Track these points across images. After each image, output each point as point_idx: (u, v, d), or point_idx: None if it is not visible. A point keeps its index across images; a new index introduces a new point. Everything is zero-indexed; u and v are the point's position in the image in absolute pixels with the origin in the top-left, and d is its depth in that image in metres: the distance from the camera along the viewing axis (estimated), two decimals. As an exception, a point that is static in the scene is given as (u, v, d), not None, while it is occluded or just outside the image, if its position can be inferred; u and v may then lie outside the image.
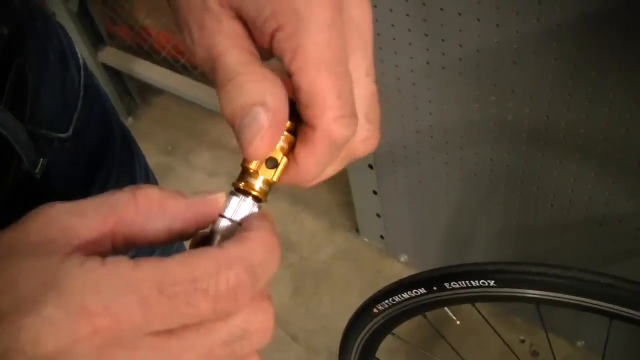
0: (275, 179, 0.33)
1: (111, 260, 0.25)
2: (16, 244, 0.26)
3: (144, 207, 0.29)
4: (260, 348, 0.29)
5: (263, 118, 0.29)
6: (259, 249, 0.28)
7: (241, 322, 0.27)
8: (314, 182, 0.34)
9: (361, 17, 0.32)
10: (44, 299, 0.24)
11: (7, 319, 0.24)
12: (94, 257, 0.26)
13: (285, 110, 0.30)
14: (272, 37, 0.30)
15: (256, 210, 0.32)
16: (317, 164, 0.32)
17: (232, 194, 0.32)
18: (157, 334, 0.26)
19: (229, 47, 0.30)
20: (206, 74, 0.32)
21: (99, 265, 0.25)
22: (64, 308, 0.24)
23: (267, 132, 0.30)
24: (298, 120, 0.32)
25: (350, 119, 0.31)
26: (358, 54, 0.32)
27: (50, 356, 0.24)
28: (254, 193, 0.32)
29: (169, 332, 0.26)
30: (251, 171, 0.32)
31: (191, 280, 0.25)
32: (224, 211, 0.31)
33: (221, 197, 0.31)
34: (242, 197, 0.32)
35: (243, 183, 0.32)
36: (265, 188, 0.33)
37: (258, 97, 0.30)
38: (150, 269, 0.25)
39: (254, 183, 0.32)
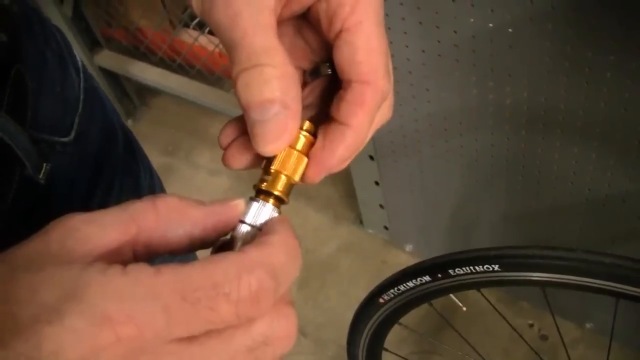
0: (297, 178, 0.33)
1: (132, 267, 0.25)
2: (36, 254, 0.26)
3: (164, 215, 0.29)
4: (283, 354, 0.28)
5: (283, 117, 0.30)
6: (279, 253, 0.28)
7: (263, 327, 0.27)
8: (344, 165, 0.35)
9: None
10: (65, 307, 0.23)
11: (29, 328, 0.23)
12: (115, 265, 0.25)
13: (300, 114, 0.31)
14: None
15: (276, 214, 0.32)
16: (368, 123, 0.33)
17: (252, 199, 0.32)
18: (180, 340, 0.25)
19: (255, 25, 0.30)
20: (214, 31, 0.31)
21: (120, 273, 0.25)
22: (86, 316, 0.23)
23: (287, 133, 0.30)
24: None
25: (390, 77, 0.33)
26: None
27: None
28: (276, 193, 0.32)
29: (192, 339, 0.25)
30: (272, 171, 0.33)
31: (213, 285, 0.25)
32: (244, 217, 0.31)
33: (240, 202, 0.31)
34: (261, 202, 0.32)
35: (265, 184, 0.33)
36: (287, 187, 0.33)
37: (279, 94, 0.30)
38: (172, 275, 0.25)
39: (276, 183, 0.33)
